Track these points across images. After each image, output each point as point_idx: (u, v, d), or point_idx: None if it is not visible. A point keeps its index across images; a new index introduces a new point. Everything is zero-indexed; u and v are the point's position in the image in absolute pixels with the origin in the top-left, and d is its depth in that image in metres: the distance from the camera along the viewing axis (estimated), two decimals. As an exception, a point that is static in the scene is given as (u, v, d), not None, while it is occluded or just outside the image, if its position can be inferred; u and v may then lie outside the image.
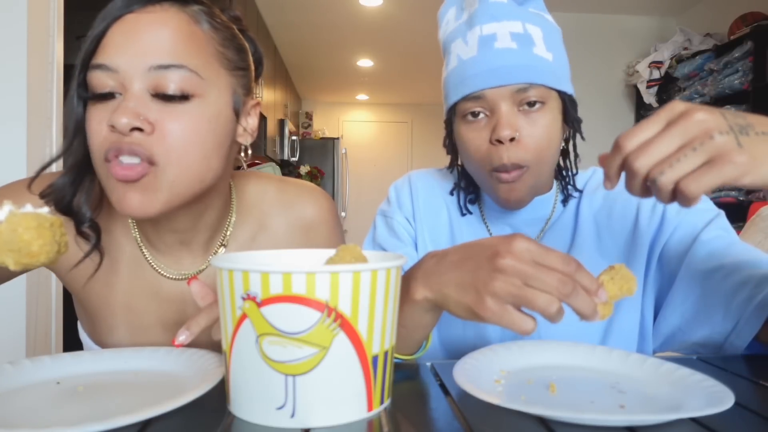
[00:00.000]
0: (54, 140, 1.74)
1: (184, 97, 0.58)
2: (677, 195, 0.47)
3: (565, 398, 0.49)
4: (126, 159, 0.56)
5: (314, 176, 5.99)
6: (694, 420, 0.44)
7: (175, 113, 0.57)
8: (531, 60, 0.71)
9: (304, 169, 5.91)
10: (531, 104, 0.71)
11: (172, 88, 0.57)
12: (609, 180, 0.52)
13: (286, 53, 5.24)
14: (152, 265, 0.71)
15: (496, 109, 0.71)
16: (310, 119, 7.26)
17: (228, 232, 0.73)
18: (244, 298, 0.43)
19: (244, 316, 0.43)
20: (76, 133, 0.60)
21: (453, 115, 0.77)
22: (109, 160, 0.56)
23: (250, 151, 0.71)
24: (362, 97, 7.33)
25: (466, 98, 0.73)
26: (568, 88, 0.75)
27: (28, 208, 0.46)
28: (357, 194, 7.00)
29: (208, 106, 0.60)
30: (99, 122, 0.57)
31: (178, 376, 0.55)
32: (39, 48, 1.66)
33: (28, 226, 0.45)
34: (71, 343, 1.75)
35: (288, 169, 5.43)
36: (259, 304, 0.42)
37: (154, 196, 0.58)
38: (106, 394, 0.51)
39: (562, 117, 0.76)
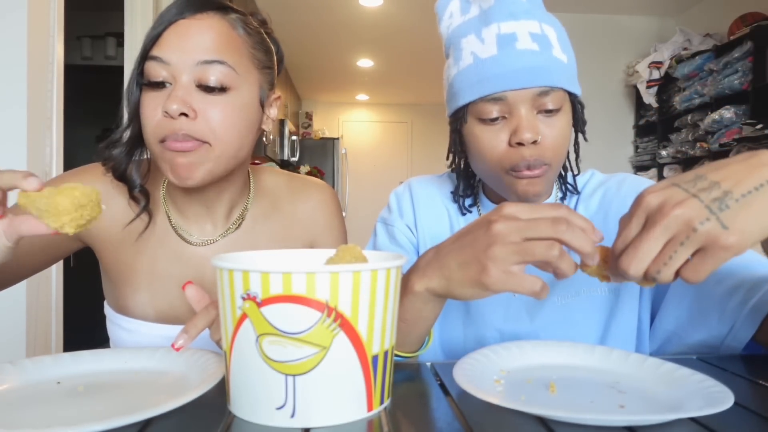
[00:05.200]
0: (54, 140, 1.74)
1: (222, 89, 0.69)
2: (679, 278, 0.47)
3: (565, 398, 0.49)
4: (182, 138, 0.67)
5: (314, 176, 5.98)
6: (693, 420, 0.44)
7: (214, 103, 0.69)
8: (551, 62, 0.70)
9: (304, 169, 5.91)
10: (549, 110, 0.70)
11: (213, 81, 0.68)
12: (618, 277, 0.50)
13: (286, 53, 5.17)
14: (178, 232, 0.81)
15: (515, 112, 0.70)
16: (310, 119, 7.26)
17: (246, 209, 0.85)
18: (244, 298, 0.43)
19: (244, 316, 0.43)
20: (133, 115, 0.71)
21: (464, 114, 0.75)
22: (164, 141, 0.67)
23: (272, 136, 0.83)
24: (362, 97, 7.33)
25: (483, 99, 0.71)
26: (579, 90, 0.75)
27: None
28: (357, 194, 7.00)
29: (241, 97, 0.71)
30: (154, 108, 0.68)
31: (178, 376, 0.55)
32: (39, 48, 1.66)
33: (67, 194, 0.51)
34: (71, 343, 1.75)
35: (288, 169, 5.42)
36: (259, 304, 0.42)
37: (200, 166, 0.69)
38: (106, 394, 0.51)
39: (572, 119, 0.76)
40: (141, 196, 0.77)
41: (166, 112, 0.66)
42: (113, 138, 0.74)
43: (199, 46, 0.68)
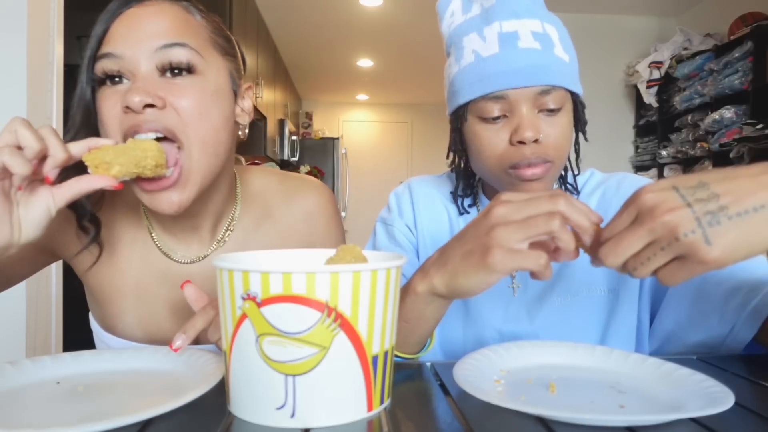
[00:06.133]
0: (54, 140, 1.74)
1: (189, 70, 0.63)
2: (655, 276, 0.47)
3: (565, 398, 0.49)
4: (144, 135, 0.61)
5: (314, 176, 5.96)
6: (694, 420, 0.44)
7: (181, 88, 0.62)
8: (553, 61, 0.70)
9: (304, 169, 5.90)
10: (550, 109, 0.70)
11: (177, 62, 0.62)
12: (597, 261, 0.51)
13: (286, 53, 5.23)
14: (162, 251, 0.74)
15: (516, 110, 0.70)
16: (310, 119, 7.25)
17: (234, 219, 0.77)
18: (244, 298, 0.43)
19: (244, 316, 0.43)
20: (84, 122, 0.64)
21: (465, 112, 0.74)
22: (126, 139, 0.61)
23: (247, 130, 0.76)
24: (362, 97, 7.32)
25: (485, 97, 0.70)
26: (580, 90, 0.75)
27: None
28: (357, 194, 7.00)
29: (209, 82, 0.65)
30: (112, 106, 0.61)
31: (178, 376, 0.55)
32: (39, 48, 1.66)
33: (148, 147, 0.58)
34: (71, 343, 1.75)
35: (288, 169, 5.42)
36: (259, 304, 0.42)
37: (185, 189, 0.63)
38: (106, 394, 0.51)
39: (573, 118, 0.76)
40: (91, 225, 0.69)
41: (127, 107, 0.59)
42: None
43: (154, 32, 0.61)
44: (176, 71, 0.62)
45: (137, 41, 0.61)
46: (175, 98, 0.61)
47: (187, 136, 0.62)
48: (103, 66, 0.61)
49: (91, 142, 0.56)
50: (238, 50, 0.74)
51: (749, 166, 0.47)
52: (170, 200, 0.62)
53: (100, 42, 0.62)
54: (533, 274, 0.50)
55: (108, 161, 0.55)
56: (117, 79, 0.62)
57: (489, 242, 0.50)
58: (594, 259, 0.50)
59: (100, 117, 0.62)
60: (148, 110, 0.60)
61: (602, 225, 0.51)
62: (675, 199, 0.45)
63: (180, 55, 0.61)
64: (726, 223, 0.43)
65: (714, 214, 0.43)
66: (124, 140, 0.61)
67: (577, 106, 0.76)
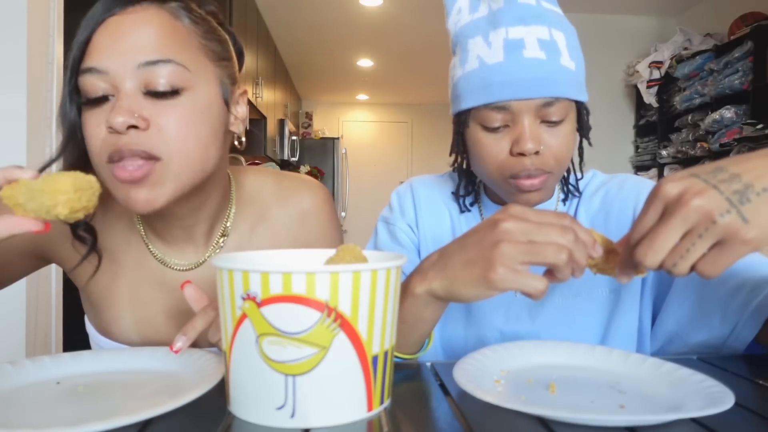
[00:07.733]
0: (54, 140, 1.74)
1: (174, 92, 0.59)
2: (695, 272, 0.46)
3: (565, 398, 0.49)
4: (129, 164, 0.58)
5: (314, 176, 5.98)
6: (694, 420, 0.44)
7: (168, 108, 0.59)
8: (558, 72, 0.68)
9: (304, 169, 5.91)
10: (553, 121, 0.69)
11: (162, 84, 0.58)
12: (626, 275, 0.51)
13: (286, 53, 5.23)
14: (156, 257, 0.73)
15: (518, 121, 0.69)
16: (310, 119, 7.26)
17: (229, 223, 0.76)
18: (244, 298, 0.43)
19: (244, 316, 0.43)
20: (70, 137, 0.61)
21: (466, 118, 0.74)
22: (113, 161, 0.58)
23: (243, 139, 0.73)
24: (362, 97, 7.32)
25: (487, 106, 0.70)
26: (586, 97, 0.74)
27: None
28: (357, 194, 7.00)
29: (199, 98, 0.62)
30: (96, 125, 0.59)
31: (178, 376, 0.55)
32: (39, 48, 1.66)
33: (63, 182, 0.50)
34: (71, 342, 1.75)
35: (288, 169, 5.42)
36: (259, 304, 0.42)
37: (159, 189, 0.60)
38: (106, 394, 0.51)
39: (576, 125, 0.75)
40: (87, 234, 0.67)
41: (110, 128, 0.57)
42: (45, 168, 0.61)
43: (137, 44, 0.58)
44: (161, 93, 0.59)
45: (120, 54, 0.58)
46: (160, 118, 0.58)
47: (171, 155, 0.59)
48: (86, 82, 0.58)
49: (7, 172, 0.51)
50: (233, 49, 0.70)
51: (756, 151, 0.47)
52: (138, 198, 0.59)
53: (82, 51, 0.59)
54: (526, 293, 0.49)
55: (21, 204, 0.50)
56: (103, 99, 0.59)
57: (493, 257, 0.49)
58: (621, 274, 0.50)
59: (86, 136, 0.60)
60: (132, 131, 0.57)
61: (599, 231, 0.52)
62: (699, 184, 0.44)
63: (164, 74, 0.58)
64: (756, 200, 0.43)
65: (742, 193, 0.43)
66: (109, 162, 0.59)
67: (581, 113, 0.75)
